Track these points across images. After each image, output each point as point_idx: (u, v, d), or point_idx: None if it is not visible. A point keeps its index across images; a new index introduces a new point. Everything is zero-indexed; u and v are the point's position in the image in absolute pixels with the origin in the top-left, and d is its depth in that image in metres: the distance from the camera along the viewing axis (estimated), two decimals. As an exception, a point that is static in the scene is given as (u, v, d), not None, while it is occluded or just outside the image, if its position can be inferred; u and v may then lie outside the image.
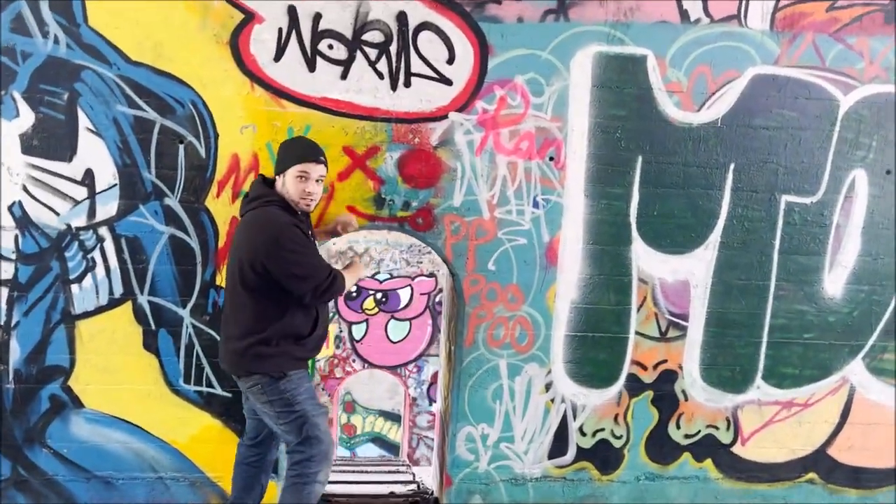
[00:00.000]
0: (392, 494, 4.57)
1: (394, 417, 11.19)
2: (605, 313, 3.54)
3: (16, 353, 3.29)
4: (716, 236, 3.52)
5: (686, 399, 3.69)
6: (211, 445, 3.45)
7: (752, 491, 3.83)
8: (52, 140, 3.15)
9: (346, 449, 11.02)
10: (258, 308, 2.77)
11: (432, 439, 9.42)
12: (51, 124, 3.14)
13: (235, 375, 2.91)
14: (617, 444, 3.70)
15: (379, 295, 8.95)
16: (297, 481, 2.83)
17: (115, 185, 3.21)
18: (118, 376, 3.37)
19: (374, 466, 6.30)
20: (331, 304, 3.23)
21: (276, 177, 2.89)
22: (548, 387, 3.60)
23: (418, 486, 4.63)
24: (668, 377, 3.66)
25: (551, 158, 3.36)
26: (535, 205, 3.39)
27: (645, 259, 3.51)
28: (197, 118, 3.18)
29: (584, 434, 3.68)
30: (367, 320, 8.95)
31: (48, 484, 3.40)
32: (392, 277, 8.61)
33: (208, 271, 3.30)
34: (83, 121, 3.15)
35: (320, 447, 2.83)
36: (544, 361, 3.56)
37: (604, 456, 3.70)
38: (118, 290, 3.29)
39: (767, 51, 3.38)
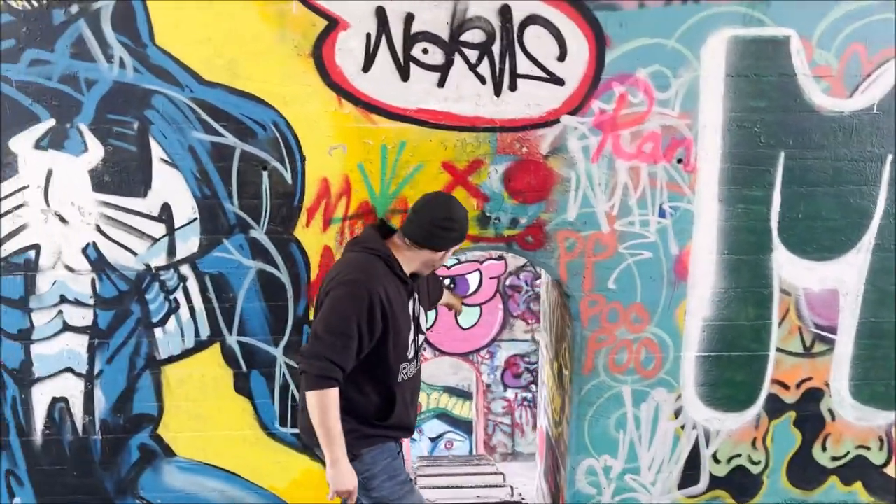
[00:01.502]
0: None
1: (458, 393, 11.25)
2: (743, 330, 3.34)
3: (101, 402, 3.26)
4: (869, 238, 3.27)
5: (833, 419, 3.49)
6: (312, 490, 3.41)
7: (907, 514, 3.61)
8: (124, 174, 3.05)
9: (412, 425, 11.14)
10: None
11: (508, 425, 9.38)
12: (122, 157, 3.03)
13: None
14: (755, 469, 3.53)
15: (447, 281, 8.81)
16: None
17: (196, 219, 3.10)
18: (210, 422, 3.31)
19: (461, 469, 6.26)
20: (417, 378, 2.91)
21: (401, 234, 2.66)
22: (677, 413, 3.42)
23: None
24: (813, 396, 3.47)
25: (679, 160, 3.11)
26: (662, 214, 3.16)
27: (788, 268, 3.27)
28: (280, 141, 3.02)
29: (717, 461, 3.51)
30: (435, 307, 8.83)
31: (144, 535, 3.37)
32: (459, 262, 8.44)
33: (300, 306, 3.18)
34: (156, 151, 3.03)
35: None
36: (673, 386, 3.37)
37: (740, 483, 3.56)
38: (205, 332, 3.21)
39: (933, 20, 3.05)
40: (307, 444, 2.78)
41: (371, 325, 2.49)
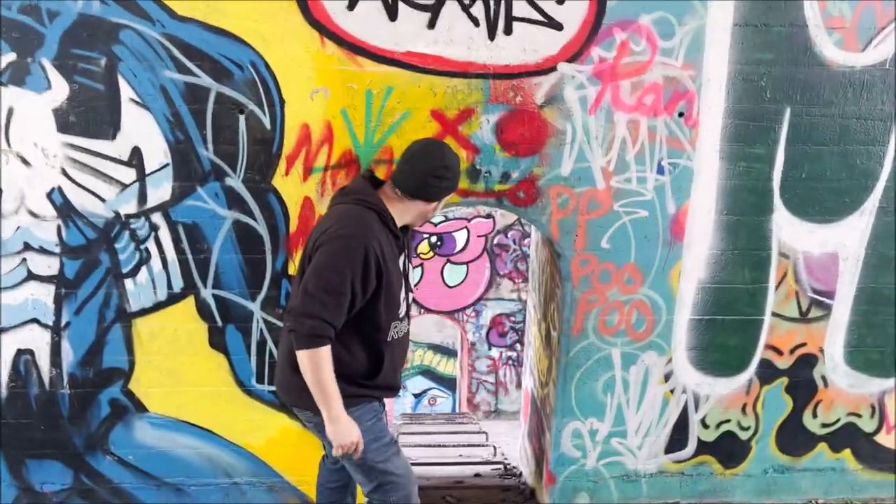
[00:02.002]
0: (478, 475, 4.43)
1: (442, 350, 11.24)
2: (738, 293, 3.24)
3: (69, 355, 3.12)
4: (873, 201, 3.17)
5: (826, 385, 3.42)
6: (290, 449, 3.31)
7: (894, 482, 3.57)
8: (91, 115, 2.85)
9: (396, 382, 11.15)
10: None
11: (492, 384, 9.36)
12: (88, 96, 2.84)
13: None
14: (744, 435, 3.47)
15: (433, 238, 8.67)
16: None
17: (168, 164, 2.92)
18: (183, 378, 3.19)
19: (444, 427, 6.21)
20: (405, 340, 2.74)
21: (392, 185, 2.50)
22: (667, 377, 3.34)
23: (505, 468, 4.46)
24: (807, 362, 3.40)
25: (681, 114, 2.96)
26: (660, 170, 3.02)
27: (788, 230, 3.16)
28: (259, 83, 2.83)
29: (706, 426, 3.45)
30: (422, 265, 8.70)
31: (115, 492, 3.32)
32: (447, 219, 8.27)
33: (279, 260, 3.03)
34: (126, 91, 2.83)
35: (398, 493, 2.56)
36: (664, 349, 3.28)
37: (728, 449, 3.51)
38: (178, 285, 3.06)
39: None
40: (283, 403, 2.65)
41: (365, 281, 2.34)
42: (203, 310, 3.14)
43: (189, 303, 3.13)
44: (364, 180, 2.53)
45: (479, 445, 5.04)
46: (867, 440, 3.59)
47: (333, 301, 2.31)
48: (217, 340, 3.19)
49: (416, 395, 11.87)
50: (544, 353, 3.71)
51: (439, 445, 5.01)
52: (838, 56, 3.00)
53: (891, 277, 3.31)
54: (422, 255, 8.81)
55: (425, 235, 8.67)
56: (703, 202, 3.14)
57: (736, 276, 3.27)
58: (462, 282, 8.88)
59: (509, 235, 8.67)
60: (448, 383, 11.51)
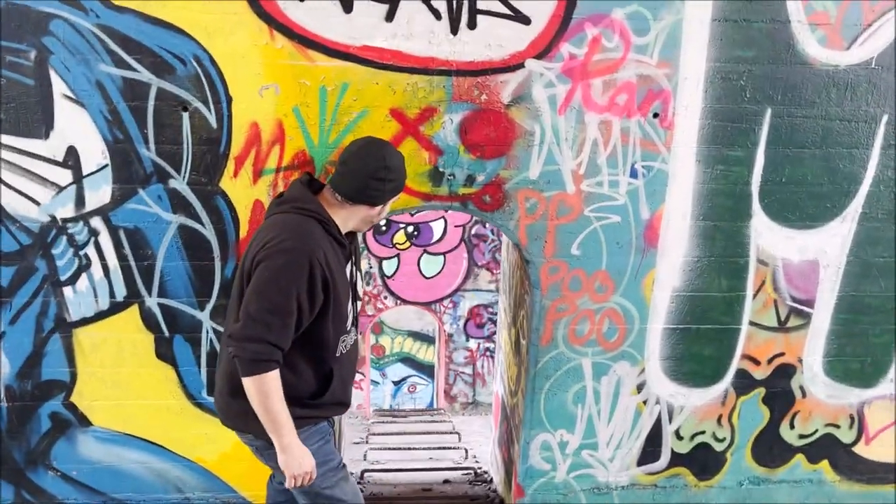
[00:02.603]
0: (447, 482, 4.29)
1: (422, 337, 11.13)
2: (714, 302, 3.09)
3: (5, 367, 2.98)
4: (856, 206, 3.02)
5: (804, 396, 3.31)
6: (244, 463, 3.16)
7: (872, 493, 3.53)
8: (21, 112, 2.66)
9: (376, 369, 11.10)
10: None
11: (469, 375, 9.23)
12: (17, 92, 2.64)
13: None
14: (718, 447, 3.34)
15: (410, 228, 8.48)
16: None
17: (106, 165, 2.73)
18: (129, 390, 3.03)
19: (416, 427, 6.08)
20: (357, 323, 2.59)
21: (332, 190, 2.33)
22: (640, 387, 3.20)
23: (475, 473, 4.32)
24: (785, 372, 3.27)
25: (656, 115, 2.80)
26: (633, 174, 2.86)
27: (767, 236, 3.02)
28: (203, 78, 2.64)
29: (680, 438, 3.32)
30: (398, 255, 8.51)
31: (59, 509, 3.10)
32: (421, 211, 8.08)
33: (229, 266, 2.86)
34: (58, 86, 2.62)
35: None
36: (636, 359, 3.13)
37: (702, 461, 3.39)
38: (121, 293, 2.88)
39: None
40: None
41: (312, 297, 2.18)
42: (148, 319, 2.96)
43: (133, 312, 2.94)
44: (302, 185, 2.35)
45: (450, 448, 4.91)
46: (845, 451, 3.48)
47: (279, 322, 2.13)
48: (164, 351, 3.01)
49: (395, 383, 11.73)
50: (513, 361, 3.55)
51: (409, 448, 4.87)
52: (822, 54, 2.83)
53: (872, 285, 3.17)
54: (398, 246, 8.63)
55: (402, 225, 8.48)
56: (679, 207, 2.98)
57: (712, 284, 3.12)
58: (439, 272, 8.70)
59: (487, 226, 8.48)
60: (428, 370, 11.41)
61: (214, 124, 2.73)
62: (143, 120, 2.70)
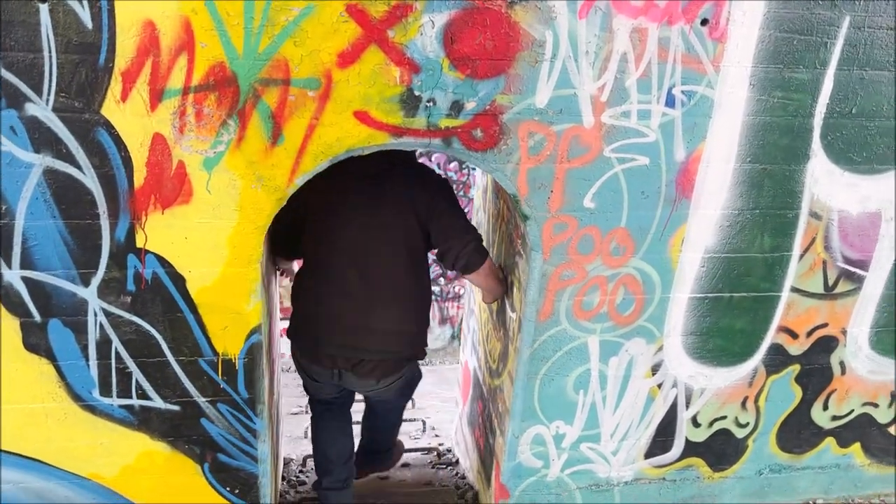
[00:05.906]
0: (406, 465, 3.68)
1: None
2: (753, 264, 2.51)
3: None
4: (935, 146, 2.38)
5: (843, 372, 2.81)
6: (154, 477, 2.44)
7: (902, 475, 3.03)
8: None
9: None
10: (425, 281, 2.61)
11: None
12: None
13: (375, 379, 2.57)
14: (740, 433, 2.85)
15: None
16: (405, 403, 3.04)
17: (-73, 81, 1.82)
18: (-10, 393, 2.18)
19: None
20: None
21: None
22: (655, 369, 2.61)
23: (438, 454, 3.72)
24: (825, 345, 2.77)
25: (704, 21, 2.08)
26: (670, 102, 2.16)
27: (824, 183, 2.42)
28: (67, -48, 1.74)
29: (697, 425, 2.78)
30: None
31: None
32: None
33: (121, 226, 2.03)
34: None
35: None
36: (654, 336, 2.54)
37: (720, 449, 2.90)
38: (-34, 264, 2.01)
39: None
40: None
41: None
42: (10, 299, 2.13)
43: (-14, 290, 2.12)
44: None
45: (407, 420, 4.26)
46: (881, 432, 3.01)
47: None
48: (36, 341, 2.21)
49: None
50: (495, 335, 2.89)
51: (358, 423, 4.20)
52: (921, -56, 2.16)
53: (939, 243, 2.62)
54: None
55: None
56: (722, 146, 2.31)
57: (752, 243, 2.50)
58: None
59: (433, 158, 7.66)
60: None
61: (88, 23, 1.86)
62: (-22, 13, 1.82)
